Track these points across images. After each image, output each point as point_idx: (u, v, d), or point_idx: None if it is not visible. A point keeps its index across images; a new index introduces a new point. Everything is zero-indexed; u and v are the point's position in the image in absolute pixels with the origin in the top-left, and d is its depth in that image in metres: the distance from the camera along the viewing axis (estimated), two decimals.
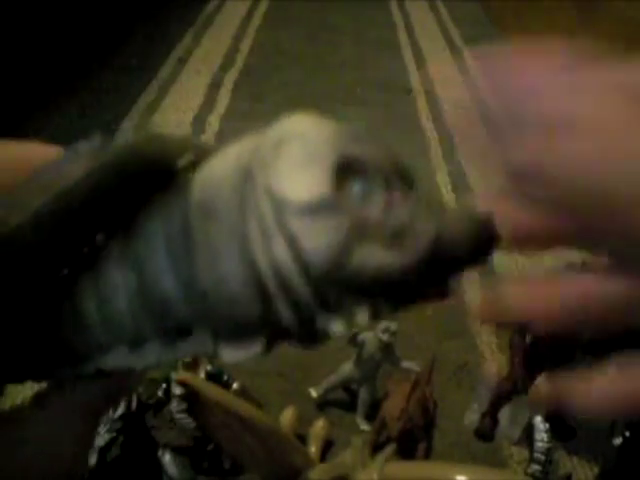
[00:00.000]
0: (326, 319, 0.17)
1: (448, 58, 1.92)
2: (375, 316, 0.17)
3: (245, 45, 1.93)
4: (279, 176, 0.16)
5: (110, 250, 0.18)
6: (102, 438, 0.63)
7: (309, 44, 1.96)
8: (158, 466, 0.67)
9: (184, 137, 0.19)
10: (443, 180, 1.29)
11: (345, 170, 0.17)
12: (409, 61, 1.89)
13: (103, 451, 0.63)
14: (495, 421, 0.76)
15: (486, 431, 0.76)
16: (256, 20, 2.13)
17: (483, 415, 0.77)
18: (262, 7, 2.25)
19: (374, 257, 0.16)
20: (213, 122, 1.46)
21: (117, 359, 0.18)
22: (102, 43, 1.76)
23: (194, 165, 0.18)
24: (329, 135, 0.17)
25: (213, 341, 0.18)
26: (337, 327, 0.17)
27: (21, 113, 1.23)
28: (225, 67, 1.77)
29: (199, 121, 1.47)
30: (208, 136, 1.40)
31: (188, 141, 0.19)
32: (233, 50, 1.89)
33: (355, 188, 0.17)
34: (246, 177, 0.17)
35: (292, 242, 0.16)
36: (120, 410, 0.65)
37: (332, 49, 1.94)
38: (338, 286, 0.16)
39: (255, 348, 0.17)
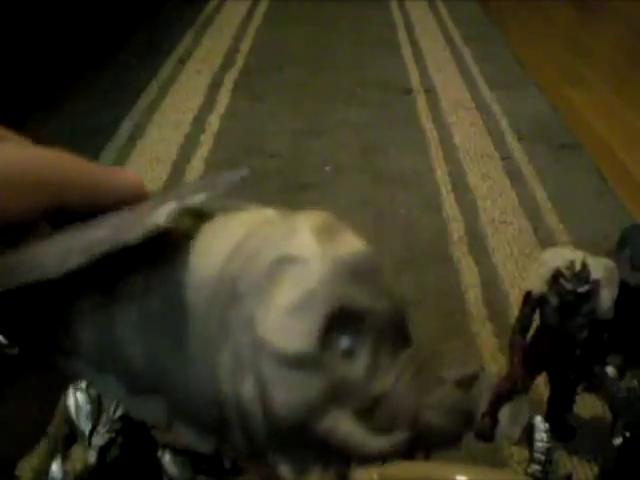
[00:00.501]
0: (277, 462, 0.16)
1: (448, 58, 1.92)
2: (326, 470, 0.16)
3: (245, 45, 1.92)
4: (266, 313, 0.15)
5: (90, 299, 0.18)
6: (102, 438, 0.63)
7: (309, 44, 1.96)
8: (158, 466, 0.67)
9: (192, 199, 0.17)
10: (443, 180, 1.29)
11: (339, 320, 0.15)
12: (409, 61, 1.88)
13: (103, 451, 0.63)
14: (495, 421, 0.76)
15: (486, 431, 0.76)
16: (256, 20, 2.13)
17: (483, 415, 0.77)
18: (262, 7, 2.25)
19: (344, 427, 0.15)
20: (213, 122, 1.46)
21: (79, 369, 0.18)
22: (102, 43, 1.76)
23: (192, 229, 0.17)
24: (332, 272, 0.15)
25: (168, 415, 0.17)
26: (285, 473, 0.16)
27: (21, 113, 1.23)
28: (225, 67, 1.77)
29: (199, 121, 1.47)
30: (208, 136, 1.40)
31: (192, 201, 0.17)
32: (233, 50, 1.88)
33: (343, 342, 0.15)
34: (232, 294, 0.15)
35: (262, 387, 0.15)
36: (120, 410, 0.65)
37: (332, 49, 1.93)
38: (298, 441, 0.15)
39: (205, 445, 0.17)
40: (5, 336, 0.19)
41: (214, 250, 0.16)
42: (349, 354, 0.15)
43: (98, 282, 0.18)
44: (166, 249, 0.17)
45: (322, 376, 0.15)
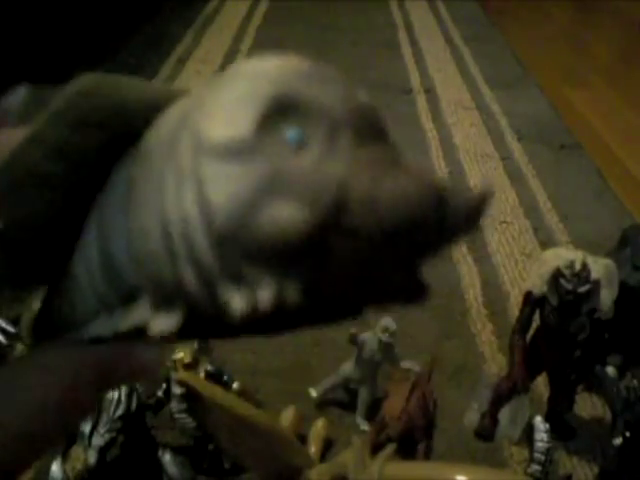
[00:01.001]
0: (228, 291, 0.14)
1: (448, 58, 1.92)
2: (281, 296, 0.14)
3: (245, 45, 1.93)
4: (207, 114, 0.14)
5: (79, 207, 0.17)
6: (102, 438, 0.63)
7: (309, 44, 1.96)
8: (158, 466, 0.67)
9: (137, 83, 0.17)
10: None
11: (282, 110, 0.14)
12: (409, 61, 1.89)
13: (103, 451, 0.63)
14: (495, 421, 0.76)
15: (486, 431, 0.76)
16: (256, 20, 2.13)
17: (483, 415, 0.77)
18: (262, 7, 2.25)
19: (286, 216, 0.13)
20: None
21: (89, 328, 0.18)
22: (102, 43, 1.76)
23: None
24: (276, 71, 0.15)
25: (151, 308, 0.16)
26: (237, 303, 0.14)
27: None
28: (225, 67, 1.77)
29: None
30: None
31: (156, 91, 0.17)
32: (233, 50, 1.88)
33: (289, 133, 0.14)
34: (180, 120, 0.15)
35: (200, 190, 0.13)
36: (120, 410, 0.65)
37: (332, 49, 1.93)
38: (242, 248, 0.14)
39: (174, 318, 0.15)
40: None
41: (172, 109, 0.16)
42: (298, 145, 0.14)
43: (80, 222, 0.17)
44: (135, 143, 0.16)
45: (259, 165, 0.13)
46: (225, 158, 0.13)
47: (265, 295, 0.14)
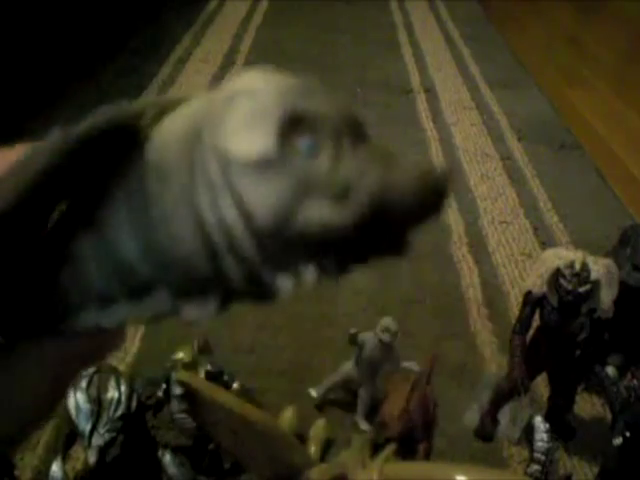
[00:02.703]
0: (272, 277, 0.17)
1: (448, 58, 1.92)
2: (324, 274, 0.17)
3: (245, 45, 1.93)
4: (226, 133, 0.16)
5: (77, 214, 0.19)
6: (102, 438, 0.63)
7: (309, 44, 1.96)
8: (158, 466, 0.67)
9: (148, 99, 0.19)
10: None
11: (293, 125, 0.16)
12: (409, 61, 1.89)
13: (103, 451, 0.63)
14: (495, 421, 0.76)
15: (486, 431, 0.76)
16: (256, 20, 2.13)
17: (483, 415, 0.77)
18: (262, 7, 2.25)
19: (320, 214, 0.16)
20: None
21: (88, 318, 0.19)
22: (102, 43, 1.76)
23: (156, 122, 0.18)
24: (278, 90, 0.17)
25: (172, 299, 0.18)
26: (284, 284, 0.17)
27: (21, 113, 1.23)
28: (225, 67, 1.77)
29: None
30: None
31: (151, 100, 0.19)
32: (233, 50, 1.89)
33: (303, 143, 0.16)
34: (195, 136, 0.17)
35: (238, 200, 0.16)
36: (120, 410, 0.65)
37: (332, 49, 1.94)
38: (284, 244, 0.16)
39: (210, 306, 0.18)
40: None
41: (178, 115, 0.18)
42: (311, 153, 0.16)
43: (85, 215, 0.18)
44: (138, 144, 0.18)
45: (289, 174, 0.16)
46: (257, 171, 0.16)
47: (308, 277, 0.17)
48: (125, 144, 0.18)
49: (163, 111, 0.18)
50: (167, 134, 0.18)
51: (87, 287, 0.19)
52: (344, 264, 0.17)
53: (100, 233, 0.18)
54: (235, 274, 0.17)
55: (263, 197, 0.16)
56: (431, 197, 0.17)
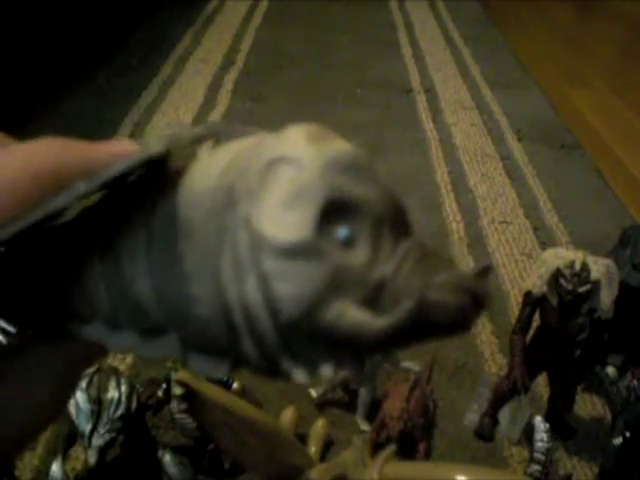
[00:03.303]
0: (289, 365, 0.16)
1: (448, 58, 1.92)
2: (339, 370, 0.16)
3: (245, 45, 1.93)
4: (261, 209, 0.15)
5: (94, 235, 0.18)
6: (102, 438, 0.63)
7: (309, 44, 1.96)
8: (158, 466, 0.67)
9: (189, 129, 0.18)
10: (443, 180, 1.29)
11: (334, 210, 0.15)
12: (409, 61, 1.89)
13: (103, 451, 0.63)
14: (495, 421, 0.76)
15: (486, 431, 0.76)
16: (256, 20, 2.13)
17: (483, 415, 0.77)
18: (262, 7, 2.25)
19: (349, 315, 0.15)
20: None
21: (95, 332, 0.18)
22: (102, 43, 1.76)
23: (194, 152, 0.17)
24: (323, 167, 0.15)
25: (182, 348, 0.17)
26: (299, 376, 0.16)
27: (21, 113, 1.23)
28: (225, 67, 1.77)
29: (199, 121, 1.47)
30: None
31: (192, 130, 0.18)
32: (233, 50, 1.89)
33: (341, 232, 0.15)
34: (228, 200, 0.16)
35: (264, 283, 0.15)
36: (120, 410, 0.65)
37: (332, 49, 1.93)
38: (307, 337, 0.15)
39: (221, 368, 0.17)
40: (16, 313, 0.19)
41: (211, 166, 0.17)
42: (348, 243, 0.15)
43: (104, 233, 0.18)
44: (167, 181, 0.17)
45: (322, 265, 0.15)
46: (289, 258, 0.15)
47: (326, 373, 0.16)
48: (159, 175, 0.17)
49: (200, 138, 0.17)
50: (202, 184, 0.16)
51: (94, 305, 0.18)
52: (362, 362, 0.16)
53: (116, 262, 0.17)
54: (251, 353, 0.16)
55: (292, 287, 0.15)
56: (468, 314, 0.15)
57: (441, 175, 1.31)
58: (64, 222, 0.18)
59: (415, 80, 1.76)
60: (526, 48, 2.01)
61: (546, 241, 1.11)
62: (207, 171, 0.17)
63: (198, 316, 0.16)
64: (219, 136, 0.18)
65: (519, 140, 1.46)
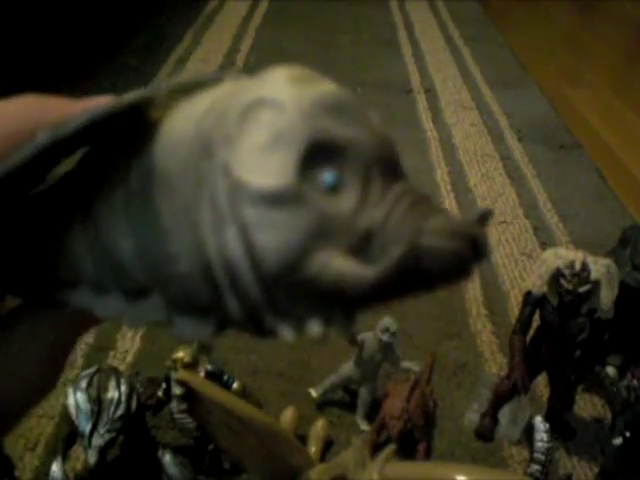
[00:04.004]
0: (274, 322, 0.15)
1: (448, 58, 1.92)
2: (328, 326, 0.15)
3: (245, 45, 1.93)
4: (240, 155, 0.14)
5: (74, 199, 0.17)
6: (102, 438, 0.63)
7: (309, 44, 1.96)
8: (158, 466, 0.67)
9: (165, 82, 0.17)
10: (443, 180, 1.29)
11: (318, 153, 0.14)
12: (409, 61, 1.89)
13: (103, 451, 0.63)
14: (495, 421, 0.76)
15: (486, 431, 0.76)
16: (256, 20, 2.13)
17: (483, 415, 0.77)
18: (262, 7, 2.25)
19: (335, 264, 0.14)
20: None
21: (82, 299, 0.18)
22: (102, 43, 1.76)
23: (170, 103, 0.16)
24: (306, 109, 0.14)
25: (167, 310, 0.16)
26: (285, 333, 0.15)
27: None
28: (225, 67, 1.77)
29: None
30: None
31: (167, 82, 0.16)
32: (233, 50, 1.88)
33: (326, 177, 0.14)
34: (205, 148, 0.14)
35: (244, 233, 0.14)
36: (120, 410, 0.65)
37: (332, 49, 1.93)
38: (291, 290, 0.14)
39: (206, 328, 0.16)
40: (8, 283, 0.19)
41: (187, 114, 0.15)
42: (334, 189, 0.14)
43: (83, 194, 0.17)
44: (142, 132, 0.16)
45: (305, 213, 0.14)
46: (270, 206, 0.14)
47: (314, 330, 0.14)
48: (133, 127, 0.16)
49: (179, 90, 0.16)
50: (177, 133, 0.15)
51: (78, 270, 0.18)
52: (351, 316, 0.15)
53: (95, 222, 0.17)
54: (235, 310, 0.15)
55: (273, 237, 0.14)
56: (466, 260, 0.14)
57: (441, 175, 1.31)
58: (47, 188, 0.18)
59: (415, 80, 1.76)
60: (526, 48, 2.01)
61: (546, 241, 1.11)
62: (183, 119, 0.16)
63: (179, 273, 0.15)
64: (203, 85, 0.17)
65: (519, 140, 1.46)
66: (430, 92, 1.69)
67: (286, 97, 0.14)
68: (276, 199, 0.14)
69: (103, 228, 0.17)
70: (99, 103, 0.17)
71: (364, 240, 0.14)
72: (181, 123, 0.16)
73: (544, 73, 1.83)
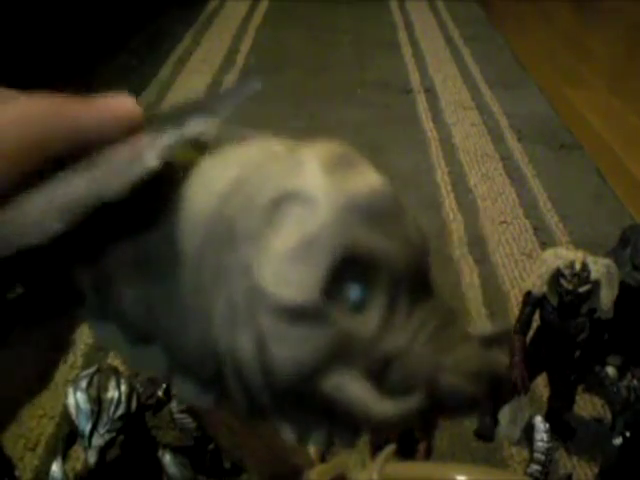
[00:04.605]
0: (279, 423, 0.14)
1: (448, 58, 1.92)
2: (332, 441, 0.14)
3: (245, 45, 1.92)
4: (265, 258, 0.13)
5: (86, 247, 0.16)
6: (102, 438, 0.63)
7: (309, 44, 1.96)
8: (158, 466, 0.67)
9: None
10: (443, 180, 1.29)
11: (348, 266, 0.13)
12: (409, 61, 1.88)
13: (103, 451, 0.63)
14: (495, 421, 0.76)
15: (486, 431, 0.76)
16: (256, 20, 2.13)
17: (483, 415, 0.77)
18: (262, 7, 2.25)
19: (351, 388, 0.13)
20: None
21: (87, 317, 0.17)
22: (102, 43, 1.76)
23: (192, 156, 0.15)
24: (340, 211, 0.13)
25: (168, 367, 0.15)
26: (288, 435, 0.14)
27: None
28: (225, 67, 1.77)
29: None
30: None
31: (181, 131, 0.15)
32: (233, 50, 1.88)
33: (352, 294, 0.13)
34: (228, 238, 0.13)
35: (260, 342, 0.13)
36: (120, 410, 0.65)
37: (332, 49, 1.93)
38: (300, 402, 0.13)
39: (205, 400, 0.15)
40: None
41: (211, 187, 0.14)
42: (359, 307, 0.13)
43: (92, 228, 0.16)
44: (161, 185, 0.15)
45: (326, 331, 0.13)
46: (289, 320, 0.13)
47: (318, 439, 0.14)
48: (152, 183, 0.15)
49: (202, 147, 0.15)
50: (199, 205, 0.14)
51: (83, 298, 0.17)
52: (357, 436, 0.14)
53: (102, 270, 0.16)
54: (240, 401, 0.14)
55: (289, 351, 0.13)
56: (480, 402, 0.14)
57: (441, 175, 1.31)
58: None
59: (415, 80, 1.76)
60: (526, 48, 2.01)
61: (546, 241, 1.11)
62: (206, 190, 0.14)
63: (187, 346, 0.14)
64: (218, 138, 0.16)
65: (519, 140, 1.46)
66: (430, 92, 1.69)
67: (320, 193, 0.13)
68: (297, 314, 0.13)
69: (111, 273, 0.16)
70: (112, 104, 0.17)
71: (384, 365, 0.13)
72: (203, 195, 0.14)
73: (544, 73, 1.83)
